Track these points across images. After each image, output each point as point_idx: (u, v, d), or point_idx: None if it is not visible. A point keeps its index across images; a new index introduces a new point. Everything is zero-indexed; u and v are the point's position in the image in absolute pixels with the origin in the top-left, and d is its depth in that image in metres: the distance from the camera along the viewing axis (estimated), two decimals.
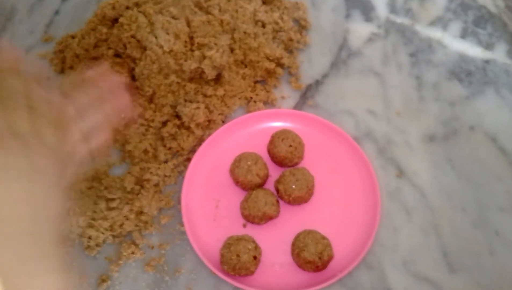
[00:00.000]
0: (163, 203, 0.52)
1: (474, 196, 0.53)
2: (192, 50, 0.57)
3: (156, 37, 0.56)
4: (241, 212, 0.50)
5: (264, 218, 0.49)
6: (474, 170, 0.54)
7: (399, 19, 0.66)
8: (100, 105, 0.39)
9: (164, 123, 0.56)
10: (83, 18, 0.64)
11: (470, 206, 0.52)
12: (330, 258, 0.47)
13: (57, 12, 0.68)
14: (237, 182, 0.51)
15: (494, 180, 0.54)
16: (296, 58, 0.62)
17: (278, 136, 0.52)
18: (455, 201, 0.53)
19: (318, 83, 0.61)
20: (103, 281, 0.48)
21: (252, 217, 0.49)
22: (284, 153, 0.51)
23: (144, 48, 0.57)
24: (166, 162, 0.54)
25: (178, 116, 0.56)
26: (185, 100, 0.56)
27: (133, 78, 0.58)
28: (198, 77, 0.58)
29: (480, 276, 0.48)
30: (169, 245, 0.50)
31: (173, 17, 0.58)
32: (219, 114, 0.57)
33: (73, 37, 0.63)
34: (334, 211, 0.51)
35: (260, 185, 0.51)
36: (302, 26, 0.65)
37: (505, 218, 0.51)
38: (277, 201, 0.50)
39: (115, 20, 0.61)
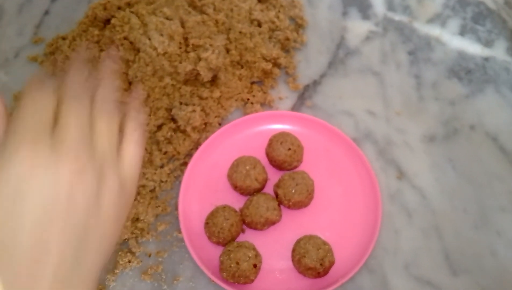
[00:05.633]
0: (160, 209, 0.51)
1: (475, 196, 0.52)
2: (187, 52, 0.56)
3: (149, 39, 0.55)
4: (242, 219, 0.49)
5: (266, 224, 0.48)
6: (475, 170, 0.54)
7: (397, 17, 0.65)
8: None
9: (159, 127, 0.55)
10: (73, 18, 0.63)
11: (471, 207, 0.52)
12: (332, 264, 0.46)
13: (46, 12, 0.66)
14: (235, 187, 0.50)
15: (495, 180, 0.53)
16: (293, 57, 0.61)
17: (277, 139, 0.51)
18: (456, 202, 0.52)
19: (316, 83, 0.60)
20: None
21: (254, 224, 0.48)
22: (283, 157, 0.50)
23: (138, 50, 0.56)
24: (162, 167, 0.53)
25: (173, 120, 0.55)
26: (181, 103, 0.55)
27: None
28: (193, 79, 0.56)
29: (482, 278, 0.48)
30: (167, 253, 0.49)
31: (167, 18, 0.57)
32: (215, 117, 0.56)
33: (63, 38, 0.61)
34: (334, 215, 0.50)
35: (259, 190, 0.50)
36: (298, 24, 0.63)
37: (507, 218, 0.51)
38: (279, 205, 0.49)
39: (107, 21, 0.59)
